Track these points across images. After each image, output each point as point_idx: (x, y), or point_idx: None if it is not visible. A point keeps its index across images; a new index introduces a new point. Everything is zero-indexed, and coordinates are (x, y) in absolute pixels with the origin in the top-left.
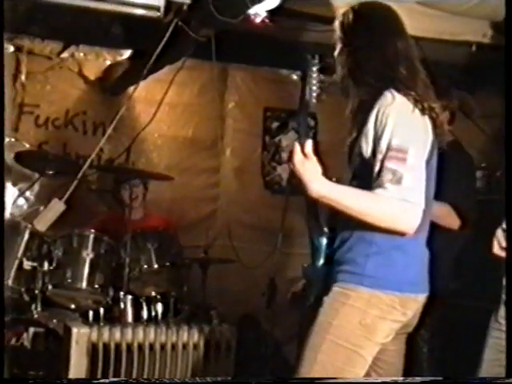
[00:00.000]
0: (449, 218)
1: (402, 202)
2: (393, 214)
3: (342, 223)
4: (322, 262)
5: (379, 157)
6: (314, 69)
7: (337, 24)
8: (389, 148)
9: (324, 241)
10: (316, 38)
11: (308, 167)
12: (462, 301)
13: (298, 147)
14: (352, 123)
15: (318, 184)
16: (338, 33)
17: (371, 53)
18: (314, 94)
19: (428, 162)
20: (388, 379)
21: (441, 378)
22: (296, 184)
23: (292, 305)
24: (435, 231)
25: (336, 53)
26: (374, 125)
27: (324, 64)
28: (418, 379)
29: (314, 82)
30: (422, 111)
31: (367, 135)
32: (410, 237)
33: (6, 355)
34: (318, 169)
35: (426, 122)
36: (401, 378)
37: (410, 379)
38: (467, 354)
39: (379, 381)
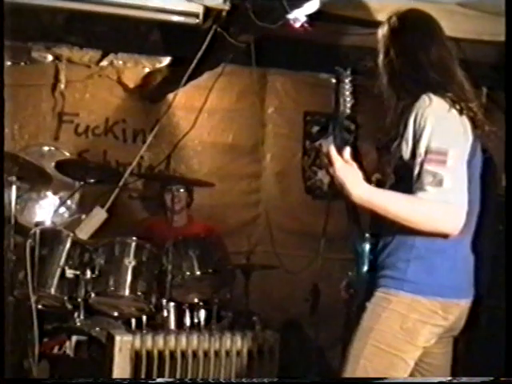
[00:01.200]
0: None
1: (443, 203)
2: (435, 216)
3: (384, 228)
4: (366, 268)
5: (418, 160)
6: (347, 80)
7: (379, 34)
8: (428, 150)
9: (367, 247)
10: (355, 42)
11: (349, 173)
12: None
13: (336, 153)
14: (395, 130)
15: (361, 189)
16: (379, 43)
17: (405, 60)
18: (349, 105)
19: (470, 162)
20: (435, 380)
21: (490, 378)
22: (337, 189)
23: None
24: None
25: (379, 62)
26: (413, 128)
27: (361, 70)
28: (465, 379)
29: (347, 93)
30: (460, 111)
31: (407, 139)
32: (452, 240)
33: (48, 363)
34: (359, 174)
35: (464, 123)
36: (448, 378)
37: (455, 380)
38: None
39: (426, 381)
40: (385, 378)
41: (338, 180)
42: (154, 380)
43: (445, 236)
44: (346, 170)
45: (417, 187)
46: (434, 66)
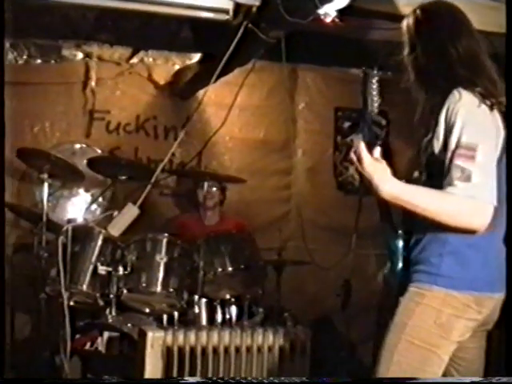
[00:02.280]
0: None
1: (471, 199)
2: (462, 212)
3: (417, 224)
4: (400, 265)
5: (448, 154)
6: (374, 80)
7: (404, 27)
8: (458, 145)
9: (400, 243)
10: (386, 36)
11: (378, 169)
12: None
13: (365, 150)
14: (425, 126)
15: (390, 185)
16: (404, 36)
17: (432, 54)
18: (376, 104)
19: (501, 157)
20: (467, 379)
21: None
22: (367, 186)
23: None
24: None
25: (404, 56)
26: (444, 123)
27: (391, 65)
28: (505, 379)
29: (375, 92)
30: (491, 107)
31: (438, 134)
32: (484, 234)
33: (80, 360)
34: (388, 170)
35: (496, 118)
36: (480, 379)
37: (495, 379)
38: None
39: (462, 381)
40: (417, 378)
41: (366, 176)
42: (186, 380)
43: (472, 232)
44: (375, 167)
45: (446, 182)
46: (462, 59)
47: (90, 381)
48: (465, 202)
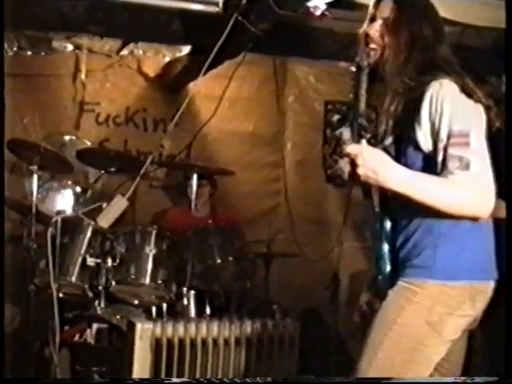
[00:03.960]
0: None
1: (474, 188)
2: (468, 199)
3: (403, 223)
4: (388, 268)
5: (441, 145)
6: (365, 72)
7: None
8: (450, 134)
9: (386, 247)
10: None
11: (378, 159)
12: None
13: (357, 146)
14: (406, 118)
15: (396, 172)
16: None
17: (409, 47)
18: (363, 98)
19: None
20: (448, 380)
21: (495, 379)
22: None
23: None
24: None
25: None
26: (429, 115)
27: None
28: (478, 379)
29: (365, 85)
30: (469, 95)
31: (422, 127)
32: (478, 221)
33: (69, 351)
34: (387, 157)
35: (477, 105)
36: (461, 378)
37: (469, 379)
38: None
39: (442, 381)
40: (392, 378)
41: (370, 169)
42: (171, 380)
43: (475, 219)
44: (375, 156)
45: (444, 173)
46: (440, 52)
47: (82, 381)
48: (469, 190)
